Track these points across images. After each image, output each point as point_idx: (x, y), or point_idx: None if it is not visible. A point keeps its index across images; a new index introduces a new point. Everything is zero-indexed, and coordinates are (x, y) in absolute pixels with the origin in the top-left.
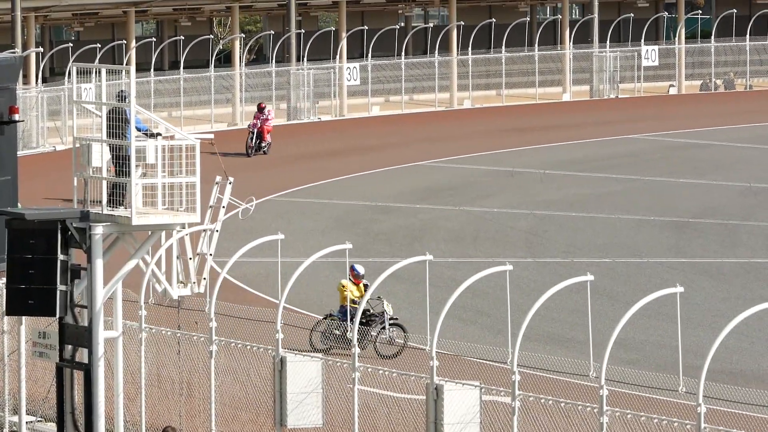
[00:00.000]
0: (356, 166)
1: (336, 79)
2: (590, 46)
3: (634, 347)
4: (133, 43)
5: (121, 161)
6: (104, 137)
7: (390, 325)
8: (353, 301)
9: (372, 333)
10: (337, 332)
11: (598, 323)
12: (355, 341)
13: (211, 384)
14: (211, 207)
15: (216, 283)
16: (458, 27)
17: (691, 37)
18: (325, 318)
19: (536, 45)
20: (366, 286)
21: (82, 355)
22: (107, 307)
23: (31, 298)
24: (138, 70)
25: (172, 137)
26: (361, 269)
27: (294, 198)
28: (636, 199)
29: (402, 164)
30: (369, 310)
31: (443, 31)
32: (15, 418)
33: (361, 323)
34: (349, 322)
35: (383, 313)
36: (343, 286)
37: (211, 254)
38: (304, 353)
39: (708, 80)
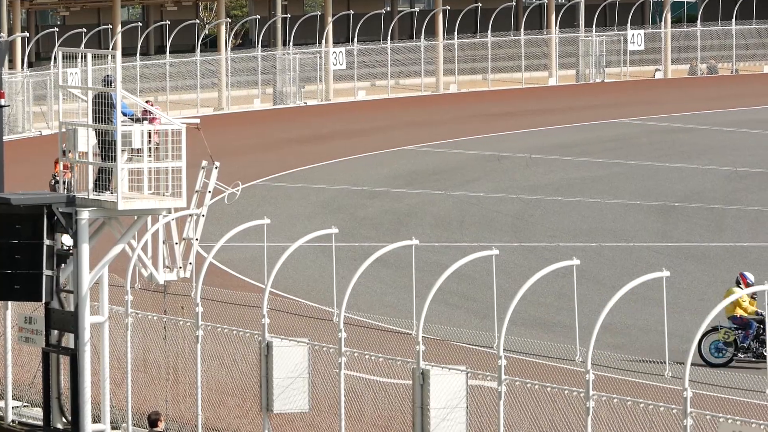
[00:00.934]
0: (342, 151)
1: (322, 63)
2: (576, 31)
3: (620, 332)
4: (119, 28)
5: (107, 146)
6: (90, 122)
7: None
8: (757, 313)
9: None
10: (744, 345)
11: (584, 308)
12: None
13: (198, 369)
14: (197, 192)
15: (202, 268)
16: (444, 11)
17: (677, 21)
18: (713, 330)
19: (522, 29)
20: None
21: (68, 340)
22: (93, 292)
23: (17, 283)
24: (124, 54)
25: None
26: (751, 277)
27: (280, 183)
28: (622, 183)
29: (388, 149)
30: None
31: (429, 16)
32: (1, 403)
33: (761, 334)
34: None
35: None
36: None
37: (197, 239)
38: (290, 339)
39: (695, 63)
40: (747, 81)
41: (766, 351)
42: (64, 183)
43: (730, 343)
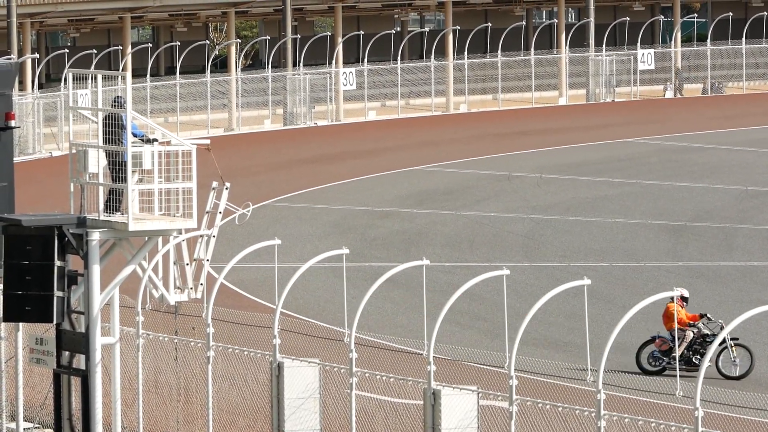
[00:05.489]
0: (353, 171)
1: (332, 84)
2: (586, 50)
3: (631, 351)
4: (129, 49)
5: (117, 167)
6: (101, 143)
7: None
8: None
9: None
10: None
11: (595, 327)
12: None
13: (209, 390)
14: (207, 212)
15: (213, 289)
16: (454, 31)
17: (687, 40)
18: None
19: (532, 49)
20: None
21: (79, 362)
22: (104, 313)
23: (28, 304)
24: (134, 75)
25: (168, 143)
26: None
27: (291, 203)
28: (632, 202)
29: (398, 169)
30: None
31: (439, 36)
32: (12, 425)
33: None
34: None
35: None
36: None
37: (208, 260)
38: (301, 359)
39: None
40: (757, 100)
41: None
42: None
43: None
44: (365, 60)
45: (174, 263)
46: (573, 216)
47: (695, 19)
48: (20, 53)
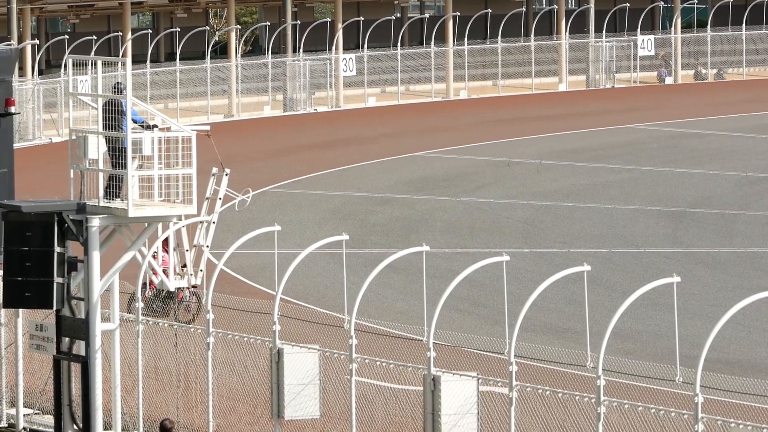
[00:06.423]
0: (353, 157)
1: (332, 70)
2: (586, 36)
3: (631, 337)
4: (129, 35)
5: (117, 153)
6: (101, 129)
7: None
8: None
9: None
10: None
11: (595, 313)
12: None
13: (209, 376)
14: (207, 199)
15: (213, 275)
16: (454, 17)
17: (687, 26)
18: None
19: (532, 35)
20: None
21: (79, 348)
22: (104, 299)
23: (28, 290)
24: (134, 61)
25: (168, 129)
26: None
27: (290, 189)
28: (632, 189)
29: (398, 155)
30: None
31: (439, 22)
32: (12, 411)
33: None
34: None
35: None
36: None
37: (207, 246)
38: (301, 345)
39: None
40: (757, 86)
41: None
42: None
43: None
44: (365, 46)
45: (174, 249)
46: (573, 202)
47: (695, 5)
48: (20, 39)
